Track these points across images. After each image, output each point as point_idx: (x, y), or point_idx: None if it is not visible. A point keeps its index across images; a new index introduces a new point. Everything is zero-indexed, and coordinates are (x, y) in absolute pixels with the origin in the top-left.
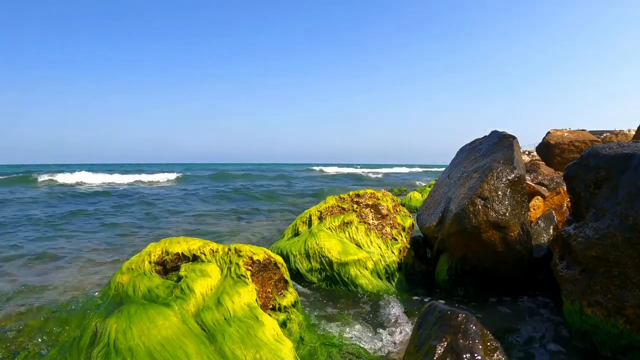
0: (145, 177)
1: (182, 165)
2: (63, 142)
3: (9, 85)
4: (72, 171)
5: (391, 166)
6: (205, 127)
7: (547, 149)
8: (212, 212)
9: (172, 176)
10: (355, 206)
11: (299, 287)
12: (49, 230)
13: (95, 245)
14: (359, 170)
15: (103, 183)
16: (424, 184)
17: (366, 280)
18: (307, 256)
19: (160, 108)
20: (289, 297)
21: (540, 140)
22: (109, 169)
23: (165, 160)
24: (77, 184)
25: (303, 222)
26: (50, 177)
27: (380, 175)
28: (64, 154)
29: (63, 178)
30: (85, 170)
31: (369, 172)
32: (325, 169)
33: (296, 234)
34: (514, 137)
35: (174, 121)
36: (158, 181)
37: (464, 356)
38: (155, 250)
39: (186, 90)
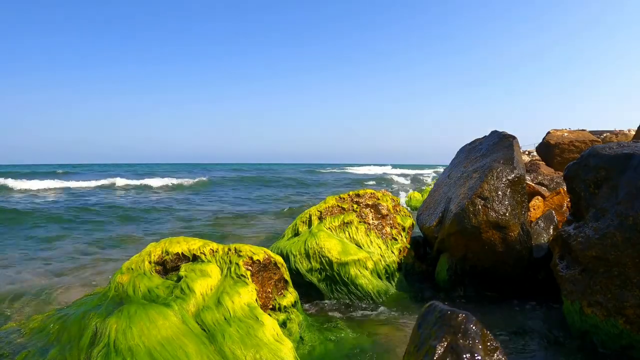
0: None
1: (194, 165)
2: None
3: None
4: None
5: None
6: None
7: (547, 149)
8: (215, 212)
9: (177, 180)
10: (355, 206)
11: (299, 287)
12: (54, 229)
13: (95, 246)
14: (392, 171)
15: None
16: None
17: (366, 280)
18: (307, 256)
19: (162, 108)
20: (289, 297)
21: (540, 140)
22: (108, 169)
23: (184, 160)
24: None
25: (303, 222)
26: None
27: (408, 177)
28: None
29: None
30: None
31: (400, 173)
32: (353, 169)
33: (296, 234)
34: (514, 137)
35: (182, 121)
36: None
37: (464, 356)
38: (155, 250)
39: (190, 89)
